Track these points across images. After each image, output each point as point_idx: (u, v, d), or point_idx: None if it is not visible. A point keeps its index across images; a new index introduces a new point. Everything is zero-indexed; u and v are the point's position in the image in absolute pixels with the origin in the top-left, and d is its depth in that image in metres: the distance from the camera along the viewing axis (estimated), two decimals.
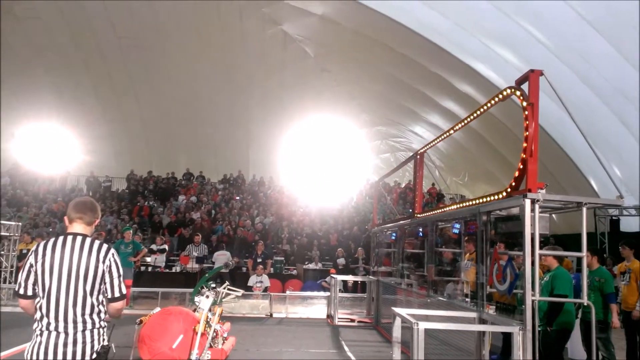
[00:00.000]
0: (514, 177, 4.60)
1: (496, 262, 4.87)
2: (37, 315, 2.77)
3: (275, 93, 21.68)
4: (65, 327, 2.75)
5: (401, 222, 8.80)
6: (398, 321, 4.74)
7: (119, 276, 2.92)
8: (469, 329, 5.02)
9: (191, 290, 8.12)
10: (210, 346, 6.13)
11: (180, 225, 17.09)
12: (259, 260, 13.62)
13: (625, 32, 11.01)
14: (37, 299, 2.78)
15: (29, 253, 2.83)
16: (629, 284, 6.56)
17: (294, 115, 22.25)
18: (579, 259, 4.64)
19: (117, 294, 2.91)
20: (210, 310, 6.50)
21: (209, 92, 21.66)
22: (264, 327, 9.55)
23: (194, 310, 6.65)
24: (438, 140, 7.49)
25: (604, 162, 5.17)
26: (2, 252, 11.89)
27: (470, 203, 5.60)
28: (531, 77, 4.49)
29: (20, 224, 12.80)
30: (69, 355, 2.73)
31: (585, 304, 4.67)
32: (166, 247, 14.59)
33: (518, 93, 4.66)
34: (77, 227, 2.91)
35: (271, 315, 10.72)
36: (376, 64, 18.27)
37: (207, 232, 16.39)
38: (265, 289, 12.24)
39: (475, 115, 5.78)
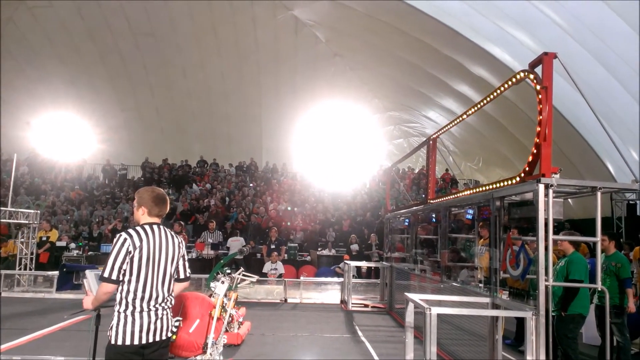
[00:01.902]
0: (528, 161, 4.56)
1: (509, 247, 4.86)
2: (130, 297, 2.95)
3: (287, 79, 21.62)
4: (155, 307, 3.02)
5: (414, 208, 8.79)
6: (411, 306, 4.77)
7: (186, 259, 3.34)
8: (481, 314, 5.04)
9: (207, 276, 8.24)
10: (227, 330, 6.25)
11: (194, 212, 17.29)
12: (273, 246, 13.75)
13: None
14: (130, 283, 2.96)
15: (120, 242, 2.94)
16: None
17: (306, 101, 22.19)
18: (594, 244, 4.60)
19: (187, 275, 3.32)
20: (225, 295, 6.61)
21: (222, 81, 21.70)
22: (278, 312, 9.67)
23: (210, 296, 6.76)
24: (451, 125, 7.43)
25: (619, 145, 5.10)
26: (22, 240, 12.16)
27: (484, 188, 5.58)
28: (545, 60, 4.43)
29: (39, 212, 13.04)
30: (158, 332, 3.03)
31: (600, 289, 4.65)
32: (184, 233, 14.79)
33: (532, 76, 4.60)
34: (156, 219, 3.21)
35: (286, 300, 10.85)
36: (389, 48, 18.07)
37: (221, 219, 16.57)
38: (280, 276, 12.36)
39: (489, 99, 5.71)
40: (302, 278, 12.26)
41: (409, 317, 4.79)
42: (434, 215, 8.00)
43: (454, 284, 6.58)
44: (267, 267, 12.71)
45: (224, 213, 17.38)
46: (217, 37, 19.71)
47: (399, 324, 8.50)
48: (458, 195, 6.67)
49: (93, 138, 20.31)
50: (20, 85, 20.92)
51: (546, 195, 4.30)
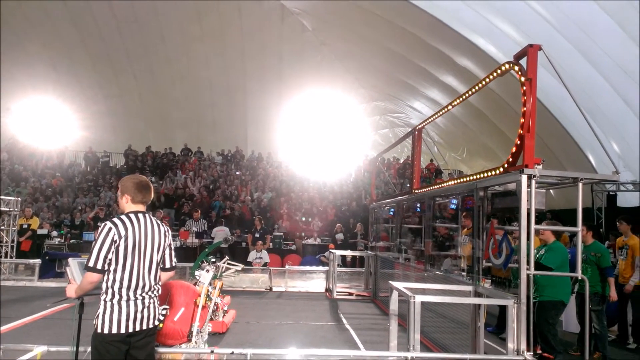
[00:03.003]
0: (511, 152, 4.63)
1: (492, 236, 4.94)
2: (116, 286, 2.94)
3: (273, 68, 21.48)
4: (142, 296, 3.02)
5: (399, 197, 8.87)
6: (395, 294, 4.83)
7: (172, 249, 3.33)
8: (464, 302, 5.12)
9: (191, 264, 8.23)
10: (211, 319, 6.26)
11: (177, 199, 17.17)
12: (258, 235, 13.74)
13: (628, 8, 10.88)
14: (116, 272, 2.95)
15: (105, 231, 2.93)
16: (626, 259, 6.68)
17: (292, 89, 22.10)
18: (574, 234, 4.70)
19: (173, 264, 3.33)
20: (210, 284, 6.61)
21: (206, 69, 21.47)
22: (263, 301, 9.70)
23: (195, 284, 6.76)
24: (437, 115, 7.49)
25: (601, 138, 5.19)
26: (3, 227, 11.95)
27: (468, 179, 5.65)
28: (530, 51, 4.47)
29: (19, 199, 12.82)
30: (145, 321, 3.04)
31: (580, 278, 4.76)
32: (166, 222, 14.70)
33: (516, 68, 4.65)
34: (141, 207, 3.18)
35: (271, 289, 10.88)
36: (375, 38, 18.04)
37: (206, 208, 16.49)
38: (265, 265, 12.38)
39: (474, 90, 5.77)
40: (287, 267, 12.29)
41: (393, 305, 4.85)
42: (418, 205, 8.07)
43: (438, 272, 6.68)
44: (252, 255, 12.71)
45: (209, 202, 17.30)
46: (202, 25, 19.46)
47: (383, 311, 8.60)
48: (443, 185, 6.74)
49: (75, 124, 19.96)
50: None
51: (529, 185, 4.37)
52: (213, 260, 9.35)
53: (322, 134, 23.59)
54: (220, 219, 15.81)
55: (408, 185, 16.59)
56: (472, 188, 5.39)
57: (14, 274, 11.63)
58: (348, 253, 12.65)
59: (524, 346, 4.27)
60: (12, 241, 11.98)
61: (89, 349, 3.20)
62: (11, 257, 11.80)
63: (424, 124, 8.04)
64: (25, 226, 12.55)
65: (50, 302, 7.25)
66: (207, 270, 6.51)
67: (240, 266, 9.86)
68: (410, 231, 9.36)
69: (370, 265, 10.54)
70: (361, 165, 21.49)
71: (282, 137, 24.22)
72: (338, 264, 10.72)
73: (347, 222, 15.52)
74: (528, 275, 4.39)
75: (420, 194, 7.53)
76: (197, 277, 6.67)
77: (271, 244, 14.37)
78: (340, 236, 14.54)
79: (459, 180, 6.14)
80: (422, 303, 4.35)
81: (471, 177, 5.51)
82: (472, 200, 5.38)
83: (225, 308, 7.29)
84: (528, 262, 4.42)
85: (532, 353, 4.40)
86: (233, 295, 9.22)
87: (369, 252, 10.85)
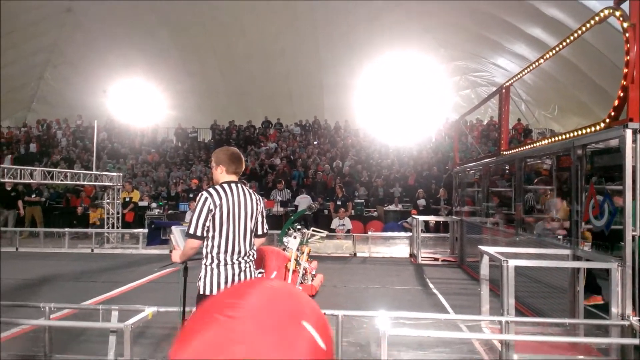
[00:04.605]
0: (613, 106, 4.26)
1: (592, 197, 4.63)
2: (214, 251, 3.16)
3: (346, 33, 21.10)
4: (239, 260, 3.21)
5: (486, 160, 8.51)
6: (486, 259, 4.72)
7: (264, 216, 3.46)
8: (564, 265, 4.88)
9: (278, 232, 8.56)
10: (301, 282, 6.53)
11: (261, 170, 17.82)
12: (339, 203, 13.93)
13: None
14: (214, 239, 3.16)
15: (202, 200, 3.12)
16: None
17: (367, 54, 21.61)
18: None
19: (265, 231, 3.45)
20: (298, 249, 6.88)
21: (279, 42, 21.61)
22: (348, 266, 9.91)
23: (283, 250, 7.07)
24: (526, 71, 7.02)
25: None
26: (108, 201, 13.16)
27: (563, 137, 5.28)
28: None
29: (120, 174, 13.98)
30: None
31: None
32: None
33: (617, 13, 4.23)
34: (234, 177, 3.34)
35: (355, 254, 11.07)
36: None
37: (287, 178, 16.97)
38: (348, 231, 12.58)
39: (567, 42, 5.33)
40: (369, 233, 12.40)
41: (484, 270, 4.76)
42: (507, 167, 7.72)
43: (530, 236, 6.41)
44: (335, 223, 12.96)
45: (290, 172, 17.76)
46: (271, 4, 19.41)
47: (471, 277, 8.46)
48: (534, 145, 6.37)
49: (163, 103, 21.16)
50: (94, 55, 22.06)
51: (634, 141, 4.03)
52: (298, 227, 9.68)
53: (400, 99, 22.96)
54: (301, 188, 16.23)
55: (493, 147, 15.86)
56: (568, 147, 5.05)
57: (120, 242, 12.85)
58: (432, 218, 12.47)
59: (629, 310, 4.03)
60: (117, 213, 13.19)
61: (194, 309, 3.49)
62: (117, 228, 13.02)
63: (512, 81, 7.57)
64: (127, 199, 13.68)
65: (158, 267, 7.92)
66: (295, 237, 6.78)
67: (325, 233, 10.13)
68: (498, 194, 9.01)
69: (455, 231, 10.33)
70: (442, 128, 20.81)
71: (359, 104, 23.97)
72: (422, 230, 10.61)
73: (429, 188, 15.24)
74: (633, 237, 4.09)
75: (509, 156, 7.18)
76: (285, 244, 6.97)
77: (353, 211, 14.53)
78: (422, 202, 14.34)
79: (553, 139, 5.76)
80: (515, 268, 4.22)
81: (567, 135, 5.15)
82: (569, 159, 5.05)
83: (313, 272, 7.56)
84: (633, 223, 4.11)
85: (638, 318, 4.14)
86: (319, 261, 9.53)
87: (453, 217, 10.62)
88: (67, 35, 21.86)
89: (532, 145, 6.41)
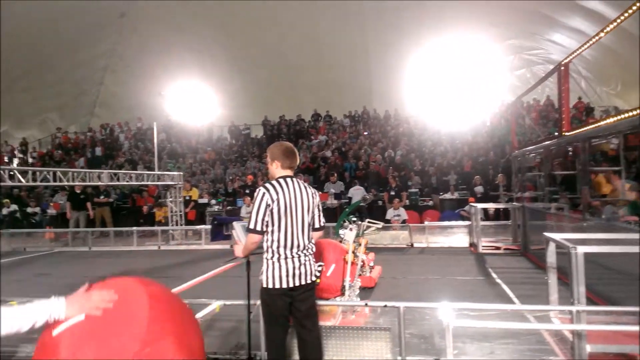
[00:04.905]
0: None
1: None
2: (274, 245, 3.24)
3: (393, 20, 20.76)
4: (298, 254, 3.28)
5: (547, 142, 8.15)
6: (552, 246, 4.54)
7: (321, 209, 3.50)
8: (637, 251, 4.60)
9: (333, 224, 8.60)
10: (360, 274, 6.55)
11: (313, 163, 17.96)
12: (393, 193, 13.80)
13: None
14: (273, 233, 3.24)
15: (260, 196, 3.19)
16: None
17: (414, 40, 21.16)
18: None
19: (322, 224, 3.49)
20: (355, 241, 6.89)
21: (326, 33, 21.59)
22: (406, 257, 9.83)
23: (340, 242, 7.11)
24: (587, 46, 6.65)
25: None
26: (171, 199, 13.73)
27: (631, 114, 4.97)
28: None
29: (181, 173, 14.53)
30: (303, 276, 3.28)
31: None
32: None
33: None
34: (289, 171, 3.39)
35: (412, 245, 10.95)
36: None
37: (339, 170, 17.00)
38: (404, 222, 12.44)
39: (628, 12, 5.01)
40: (426, 223, 12.21)
41: (551, 258, 4.57)
42: (570, 149, 7.35)
43: (598, 221, 6.09)
44: (389, 213, 12.87)
45: (342, 163, 17.77)
46: None
47: (536, 265, 8.16)
48: (599, 124, 6.04)
49: (216, 101, 21.74)
50: (149, 58, 23.00)
51: None
52: (354, 219, 9.69)
53: (452, 82, 22.30)
54: (354, 179, 16.21)
55: (553, 128, 15.12)
56: (636, 124, 4.75)
57: (185, 239, 13.39)
58: (491, 206, 12.09)
59: None
60: (180, 211, 13.75)
61: (259, 302, 3.61)
62: (180, 225, 13.58)
63: (571, 57, 7.19)
64: (187, 198, 14.20)
65: (223, 261, 8.20)
66: (351, 229, 6.78)
67: (381, 224, 10.07)
68: (562, 178, 8.62)
69: (517, 218, 9.98)
70: (497, 111, 20.08)
71: (408, 91, 23.54)
72: (481, 218, 10.32)
73: (486, 174, 14.79)
74: None
75: (572, 136, 6.84)
76: (342, 236, 7.00)
77: (407, 200, 14.36)
78: (479, 189, 13.95)
79: (621, 117, 5.44)
80: (585, 254, 4.03)
81: (636, 112, 4.85)
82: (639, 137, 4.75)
83: (371, 264, 7.57)
84: None
85: None
86: (376, 252, 9.50)
87: (514, 203, 10.25)
88: (124, 40, 22.93)
89: (596, 125, 6.08)
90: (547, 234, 4.69)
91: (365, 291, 6.57)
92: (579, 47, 6.94)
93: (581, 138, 6.53)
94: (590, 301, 5.47)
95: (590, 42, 6.35)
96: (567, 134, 7.07)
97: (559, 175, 8.74)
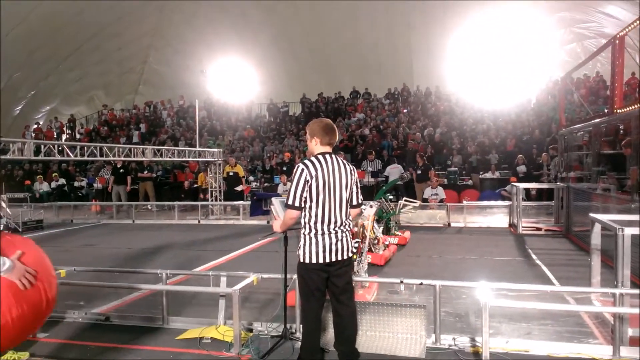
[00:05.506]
0: None
1: None
2: (312, 221, 3.27)
3: None
4: (335, 230, 3.30)
5: (597, 120, 7.79)
6: (597, 227, 4.38)
7: (359, 187, 3.48)
8: None
9: (370, 202, 8.56)
10: (369, 250, 6.46)
11: (351, 141, 17.87)
12: (420, 172, 13.40)
13: None
14: (311, 209, 3.26)
15: (298, 172, 3.21)
16: None
17: (458, 14, 20.42)
18: None
19: (359, 201, 3.47)
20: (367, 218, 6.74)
21: (366, 10, 21.15)
22: (443, 236, 9.72)
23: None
24: None
25: None
26: (211, 175, 14.03)
27: None
28: None
29: (221, 150, 14.77)
30: (340, 252, 3.30)
31: None
32: None
33: None
34: (328, 148, 3.38)
35: (449, 224, 10.82)
36: None
37: (377, 148, 16.85)
38: (441, 201, 12.25)
39: None
40: (464, 202, 12.00)
41: (595, 240, 4.42)
42: (622, 127, 7.00)
43: None
44: (427, 192, 12.69)
45: (380, 141, 17.60)
46: None
47: (579, 247, 7.91)
48: None
49: (256, 79, 21.84)
50: (192, 37, 23.27)
51: None
52: (390, 197, 9.63)
53: (497, 58, 21.46)
54: (392, 157, 16.04)
55: (603, 105, 14.40)
56: None
57: (223, 214, 13.71)
58: (533, 185, 11.74)
59: None
60: (219, 186, 14.02)
61: (295, 276, 3.67)
62: (220, 200, 13.87)
63: (627, 30, 6.78)
64: (231, 173, 14.30)
65: (260, 236, 8.37)
66: (371, 206, 6.66)
67: (417, 202, 9.99)
68: (610, 158, 8.21)
69: (561, 198, 9.65)
70: (544, 87, 19.26)
71: (450, 68, 22.84)
72: (522, 198, 10.04)
73: (530, 153, 14.31)
74: None
75: (625, 114, 6.50)
76: (363, 210, 6.90)
77: (445, 180, 14.11)
78: (522, 168, 13.53)
79: None
80: (632, 237, 3.87)
81: None
82: None
83: (387, 242, 7.48)
84: None
85: None
86: (412, 231, 9.46)
87: (558, 183, 9.91)
88: (167, 19, 23.24)
89: None
90: (592, 215, 4.54)
91: (375, 268, 6.54)
92: (636, 19, 6.52)
93: (634, 116, 6.20)
94: (635, 285, 5.28)
95: None
96: (619, 111, 6.72)
97: (607, 155, 8.34)
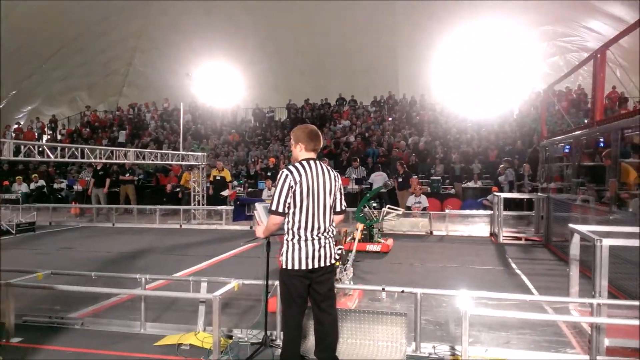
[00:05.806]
0: None
1: None
2: (295, 227, 3.24)
3: (423, 4, 20.31)
4: (318, 236, 3.28)
5: (577, 132, 7.94)
6: (576, 238, 4.44)
7: (342, 193, 3.47)
8: None
9: (354, 209, 8.59)
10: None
11: (336, 148, 17.89)
12: (400, 180, 13.46)
13: None
14: (294, 215, 3.23)
15: (282, 177, 3.19)
16: None
17: (444, 24, 20.67)
18: None
19: (343, 207, 3.47)
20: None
21: (353, 16, 21.29)
22: (425, 244, 9.77)
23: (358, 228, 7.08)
24: (626, 33, 6.40)
25: None
26: (194, 179, 13.90)
27: None
28: None
29: (205, 154, 14.65)
30: (322, 258, 3.28)
31: None
32: None
33: None
34: (312, 154, 3.37)
35: (431, 233, 10.88)
36: None
37: (362, 155, 16.91)
38: (424, 209, 12.33)
39: None
40: (447, 211, 12.10)
41: (574, 250, 4.48)
42: (602, 140, 7.14)
43: (626, 215, 5.92)
44: (410, 200, 12.75)
45: (364, 149, 17.67)
46: None
47: (558, 257, 8.02)
48: (634, 115, 5.83)
49: (242, 84, 21.78)
50: (178, 40, 23.13)
51: None
52: (374, 205, 9.65)
53: (481, 69, 21.75)
54: (376, 165, 16.10)
55: (584, 118, 14.69)
56: None
57: (205, 219, 13.58)
58: (515, 195, 11.87)
59: None
60: (203, 190, 13.90)
61: (277, 282, 3.64)
62: (202, 205, 13.74)
63: (610, 44, 6.94)
64: (218, 178, 14.17)
65: (243, 241, 8.31)
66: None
67: (401, 210, 10.04)
68: (590, 170, 8.37)
69: (541, 208, 9.79)
70: (527, 99, 19.57)
71: (435, 77, 23.10)
72: (504, 207, 10.14)
73: (512, 163, 14.48)
74: None
75: (605, 127, 6.63)
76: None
77: (429, 188, 14.20)
78: (503, 178, 13.68)
79: None
80: (610, 247, 3.93)
81: None
82: None
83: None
84: None
85: None
86: (395, 238, 9.49)
87: (539, 194, 10.05)
88: (153, 21, 23.08)
89: (632, 115, 5.87)
90: (572, 226, 4.60)
91: (358, 277, 6.55)
92: (618, 35, 6.69)
93: (614, 128, 6.33)
94: (611, 295, 5.36)
95: (634, 29, 6.09)
96: (599, 123, 6.86)
97: (587, 167, 8.50)
